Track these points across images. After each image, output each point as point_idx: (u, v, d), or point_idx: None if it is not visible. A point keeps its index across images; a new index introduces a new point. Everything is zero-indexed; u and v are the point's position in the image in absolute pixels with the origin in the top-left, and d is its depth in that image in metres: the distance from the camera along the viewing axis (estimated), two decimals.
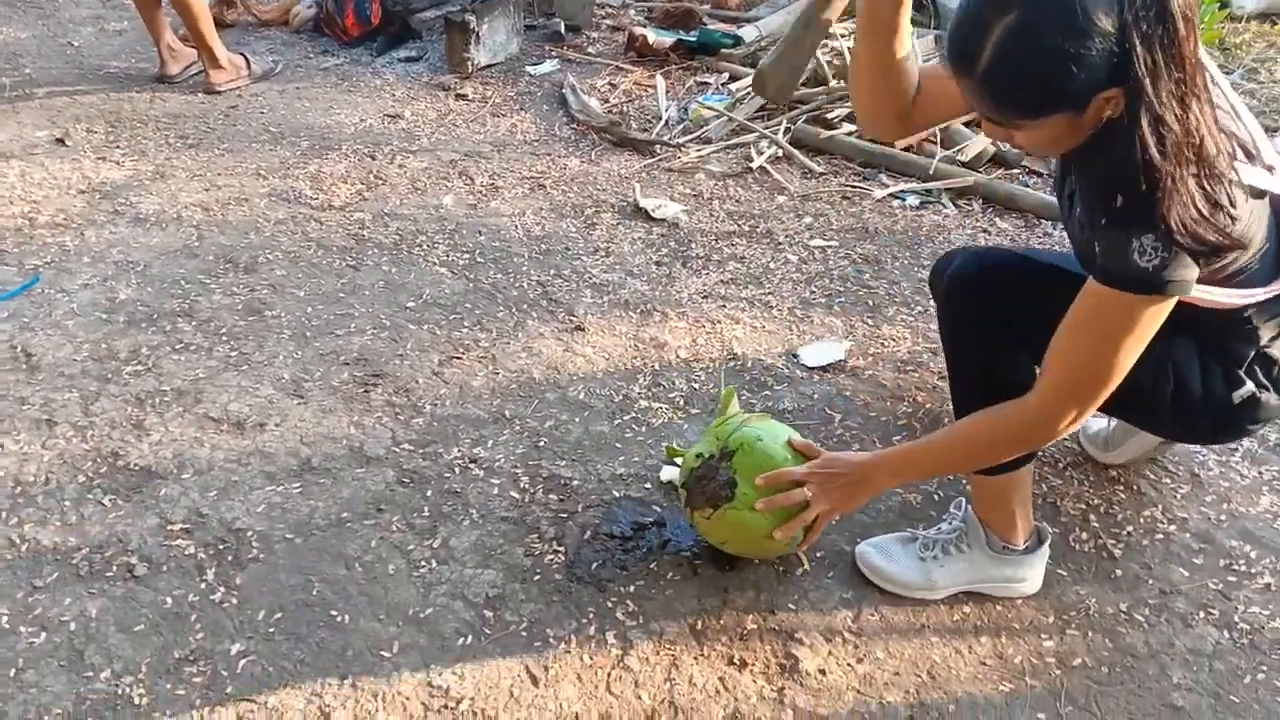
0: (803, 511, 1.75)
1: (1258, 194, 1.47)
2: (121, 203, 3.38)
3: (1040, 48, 1.30)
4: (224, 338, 2.66)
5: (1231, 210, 1.37)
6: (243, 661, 1.77)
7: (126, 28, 5.16)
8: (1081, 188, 1.55)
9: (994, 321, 1.71)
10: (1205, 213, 1.35)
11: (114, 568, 1.95)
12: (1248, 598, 1.91)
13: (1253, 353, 1.67)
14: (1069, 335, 1.50)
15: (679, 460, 1.96)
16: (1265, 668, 1.77)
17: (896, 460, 1.76)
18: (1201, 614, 1.88)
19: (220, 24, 4.75)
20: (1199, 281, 1.48)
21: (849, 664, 1.78)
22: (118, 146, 3.82)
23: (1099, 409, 1.56)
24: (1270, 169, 1.51)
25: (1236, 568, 1.98)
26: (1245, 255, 1.51)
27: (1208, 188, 1.35)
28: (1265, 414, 1.71)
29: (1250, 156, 1.45)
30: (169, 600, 1.88)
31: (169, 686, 1.72)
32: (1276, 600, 1.90)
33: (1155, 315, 1.44)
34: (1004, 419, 1.61)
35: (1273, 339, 1.67)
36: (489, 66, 4.68)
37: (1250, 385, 1.67)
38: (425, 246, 3.15)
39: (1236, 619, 1.87)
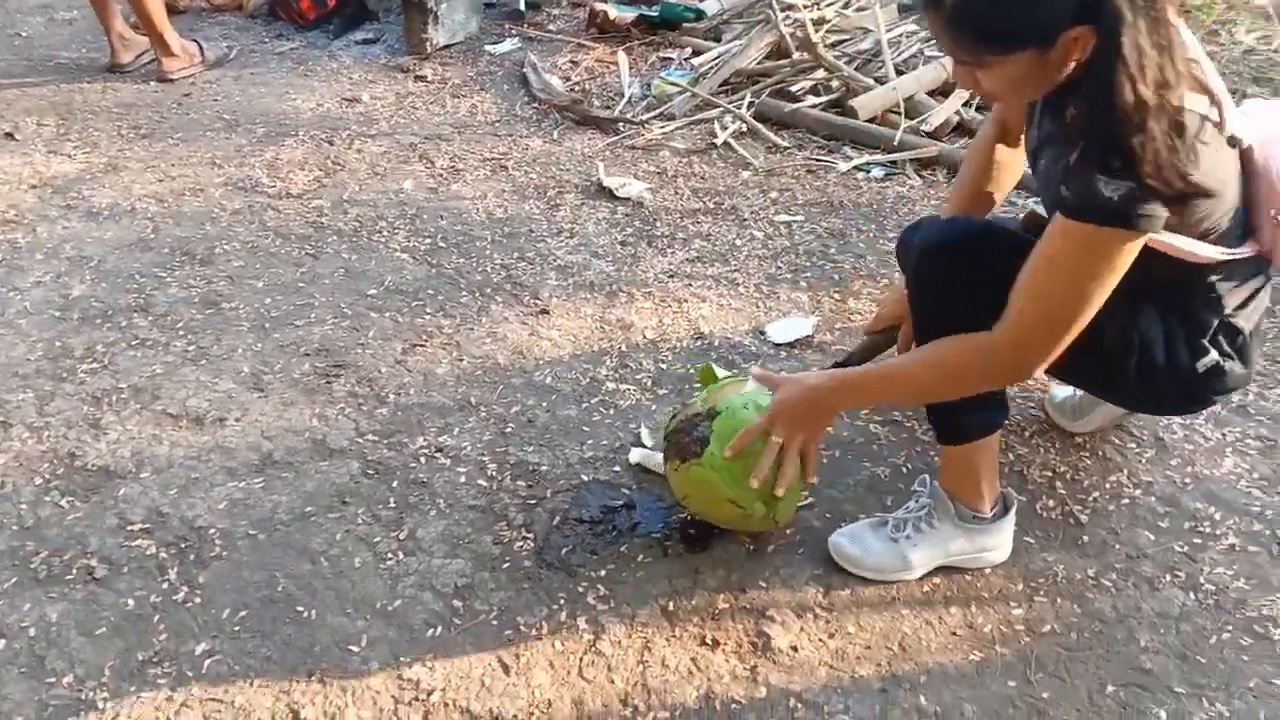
0: (768, 446, 1.73)
1: (1232, 143, 1.49)
2: (74, 197, 3.31)
3: None
4: (181, 332, 2.62)
5: (1199, 152, 1.37)
6: (208, 661, 1.74)
7: (76, 16, 5.06)
8: (1049, 134, 1.55)
9: (963, 289, 1.69)
10: (1174, 153, 1.35)
11: (74, 570, 1.92)
12: (1213, 559, 1.92)
13: (1216, 321, 1.67)
14: (1036, 272, 1.49)
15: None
16: (1230, 627, 1.79)
17: (860, 381, 1.72)
18: (1168, 577, 1.89)
19: (172, 10, 4.65)
20: (1178, 232, 1.48)
21: (821, 639, 1.78)
22: (69, 139, 3.75)
23: (1066, 379, 1.55)
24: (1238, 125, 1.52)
25: (1201, 530, 1.99)
26: (1219, 210, 1.51)
27: (1176, 129, 1.35)
28: (1230, 383, 1.71)
29: (1218, 109, 1.44)
30: (131, 602, 1.85)
31: (133, 689, 1.70)
32: (1241, 560, 1.92)
33: (1123, 252, 1.42)
34: (971, 351, 1.57)
35: (1237, 308, 1.68)
36: (448, 46, 4.63)
37: (1214, 354, 1.67)
38: (386, 233, 3.11)
39: (1202, 580, 1.88)
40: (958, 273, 1.69)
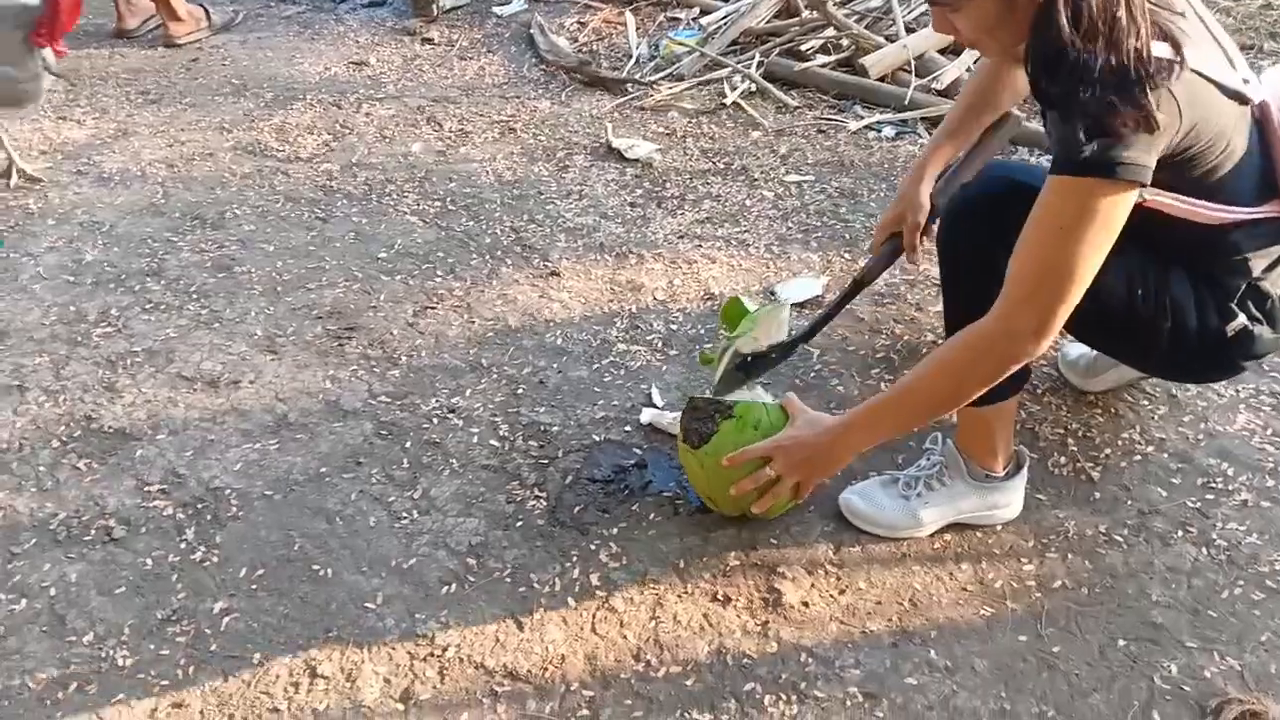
0: (758, 472, 1.75)
1: (1234, 95, 1.47)
2: (84, 163, 3.32)
3: None
4: (194, 296, 2.63)
5: (1161, 95, 1.35)
6: (226, 619, 1.77)
7: None
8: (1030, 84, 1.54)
9: (996, 249, 1.68)
10: (1127, 96, 1.33)
11: (92, 531, 1.94)
12: (1225, 514, 1.92)
13: (1244, 284, 1.65)
14: (1028, 234, 1.46)
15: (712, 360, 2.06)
16: (1242, 582, 1.79)
17: (867, 419, 1.68)
18: (1180, 532, 1.89)
19: None
20: (1179, 191, 1.47)
21: (831, 595, 1.79)
22: (78, 105, 3.75)
23: (1100, 349, 1.53)
24: (1245, 81, 1.50)
25: (1214, 485, 1.99)
26: (1224, 164, 1.49)
27: (1123, 71, 1.33)
28: (1259, 348, 1.70)
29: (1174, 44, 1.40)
30: (149, 561, 1.88)
31: (153, 647, 1.72)
32: (1253, 516, 1.92)
33: (1114, 205, 1.39)
34: (975, 337, 1.53)
35: (1265, 270, 1.66)
36: (454, 9, 4.60)
37: (1243, 318, 1.65)
38: (395, 196, 3.10)
39: (1214, 536, 1.88)
40: (985, 236, 1.66)
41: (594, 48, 4.20)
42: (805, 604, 1.77)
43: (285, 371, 2.35)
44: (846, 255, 2.76)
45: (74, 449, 2.14)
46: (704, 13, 4.36)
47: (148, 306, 2.58)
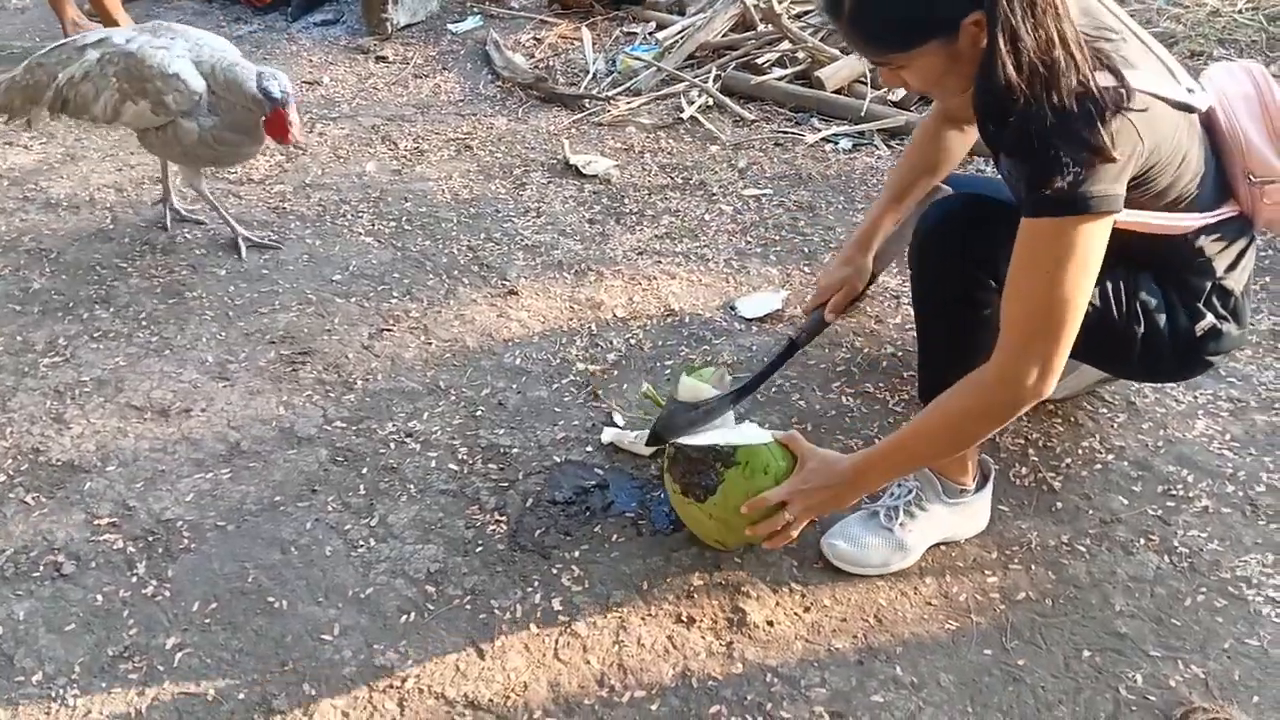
0: (775, 517, 1.70)
1: (1182, 108, 1.48)
2: (31, 188, 3.25)
3: None
4: (144, 323, 2.57)
5: (1113, 124, 1.35)
6: (179, 654, 1.72)
7: (29, 5, 4.97)
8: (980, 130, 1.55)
9: (968, 270, 1.69)
10: (1071, 131, 1.34)
11: (41, 567, 1.89)
12: (1186, 522, 1.93)
13: (1209, 284, 1.68)
14: (1015, 281, 1.46)
15: (654, 402, 2.03)
16: (1204, 589, 1.79)
17: (880, 462, 1.68)
18: (1142, 540, 1.89)
19: None
20: (1146, 208, 1.49)
21: (796, 613, 1.78)
22: (25, 130, 3.67)
23: (1072, 355, 1.53)
24: (1190, 91, 1.51)
25: (1174, 493, 2.00)
26: (1183, 177, 1.52)
27: (1063, 108, 1.34)
28: (1226, 344, 1.73)
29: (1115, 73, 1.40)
30: (99, 597, 1.83)
31: (104, 685, 1.67)
32: (1214, 523, 1.93)
33: (1092, 237, 1.40)
34: (980, 387, 1.53)
35: (1227, 269, 1.68)
36: (409, 26, 4.57)
37: (1210, 317, 1.69)
38: (349, 216, 3.07)
39: (1176, 543, 1.89)
40: (958, 257, 1.69)
41: (550, 64, 4.19)
42: (770, 623, 1.76)
43: (238, 398, 2.31)
44: (806, 269, 2.75)
45: (21, 482, 2.08)
46: (660, 27, 4.36)
47: (96, 335, 2.53)
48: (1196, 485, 2.01)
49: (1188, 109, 1.51)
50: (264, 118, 2.60)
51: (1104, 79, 1.36)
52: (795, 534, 1.71)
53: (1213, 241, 1.65)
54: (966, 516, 1.88)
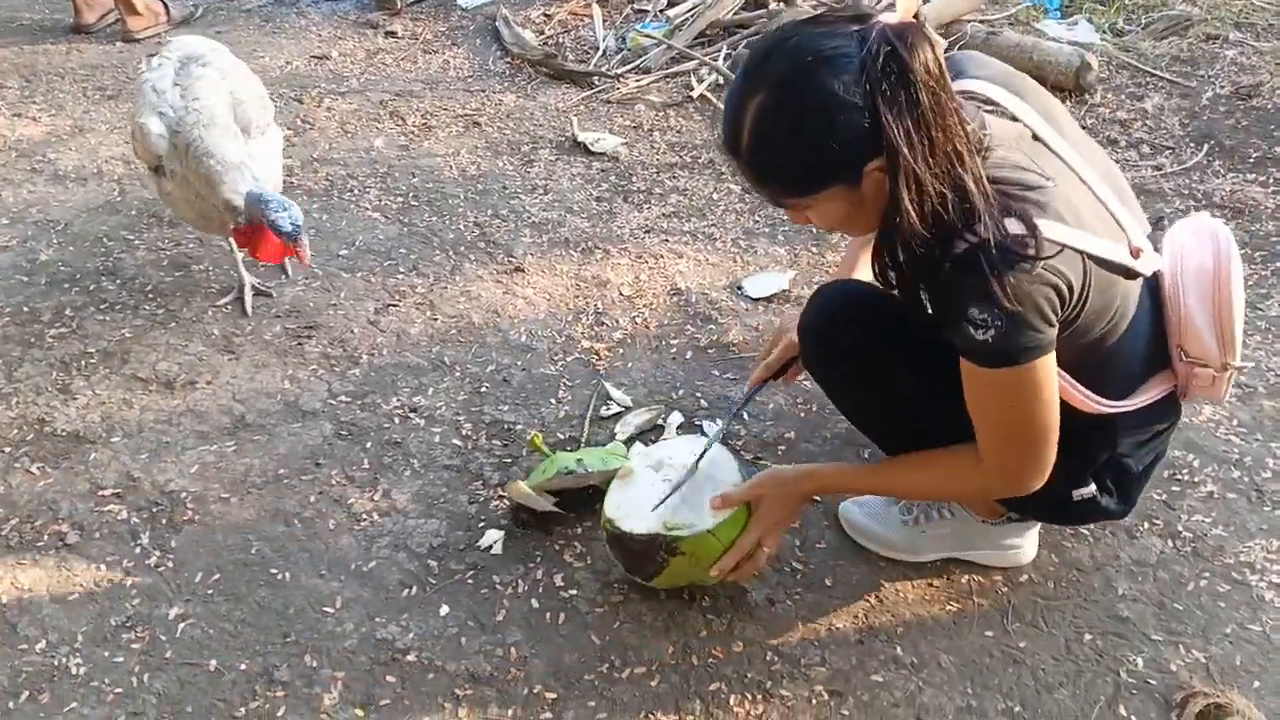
0: (741, 546, 1.64)
1: (1119, 270, 1.38)
2: (39, 160, 3.25)
3: (790, 125, 1.28)
4: (150, 295, 2.57)
5: (1011, 268, 1.27)
6: (182, 625, 1.73)
7: None
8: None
9: (854, 356, 1.61)
10: (974, 274, 1.28)
11: (45, 537, 1.89)
12: (1190, 506, 1.92)
13: (1106, 456, 1.56)
14: (976, 415, 1.42)
15: (547, 459, 1.93)
16: (1207, 574, 1.79)
17: (829, 479, 1.70)
18: (1146, 525, 1.88)
19: None
20: (1063, 364, 1.39)
21: (797, 593, 1.77)
22: (33, 102, 3.67)
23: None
24: (1136, 252, 1.41)
25: (1180, 478, 1.99)
26: (1114, 335, 1.42)
27: (969, 248, 1.28)
28: (1100, 516, 1.65)
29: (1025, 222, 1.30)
30: (103, 567, 1.83)
31: (106, 655, 1.68)
32: (1218, 507, 1.92)
33: (1038, 372, 1.34)
34: (963, 472, 1.51)
35: (1135, 447, 1.56)
36: (418, 1, 4.54)
37: (1092, 488, 1.58)
38: (356, 191, 3.06)
39: (1180, 528, 1.88)
40: (843, 343, 1.62)
41: (560, 40, 4.16)
42: (771, 602, 1.76)
43: (243, 371, 2.31)
44: (813, 249, 2.74)
45: (26, 452, 2.09)
46: (671, 4, 4.32)
47: (103, 306, 2.53)
48: (1202, 470, 2.00)
49: (1126, 272, 1.40)
50: (235, 226, 2.32)
51: (1014, 226, 1.28)
52: (765, 558, 1.67)
53: (1125, 427, 1.53)
54: (1003, 541, 1.79)
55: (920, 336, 1.45)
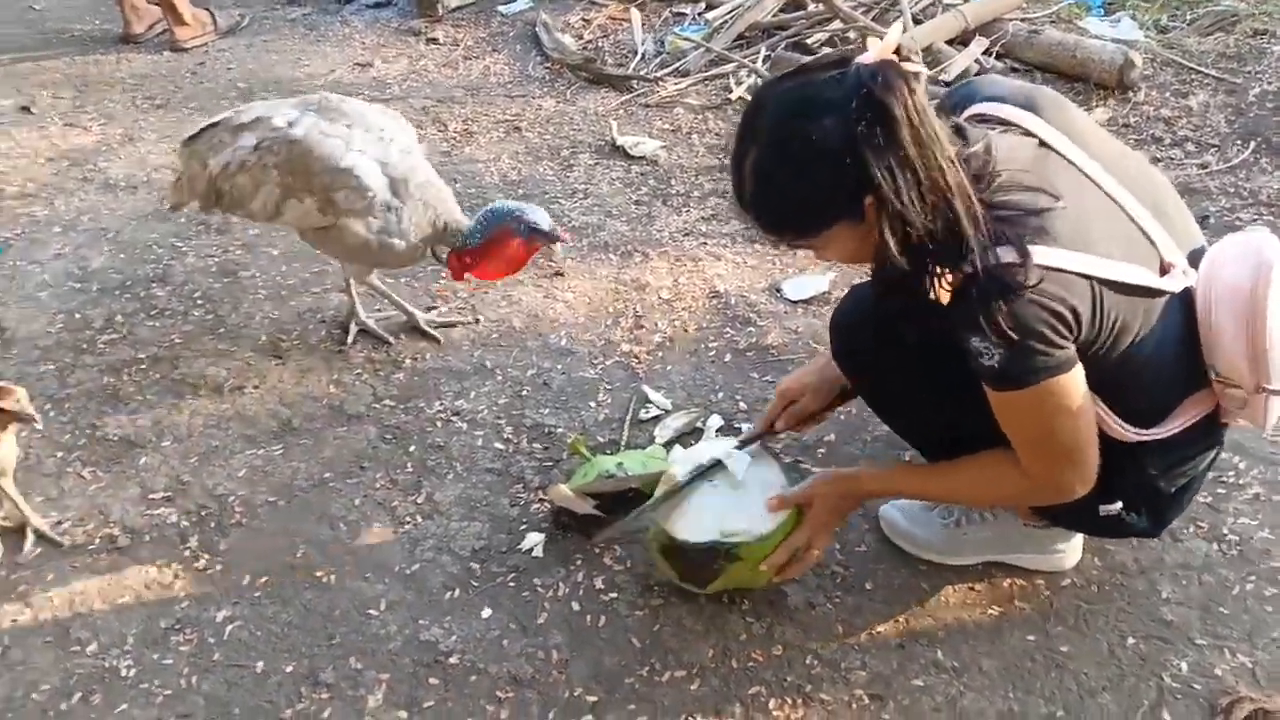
0: (790, 544, 1.66)
1: (1139, 291, 1.36)
2: (90, 169, 3.32)
3: (784, 176, 1.32)
4: (199, 301, 2.63)
5: (1005, 295, 1.28)
6: (229, 627, 1.76)
7: None
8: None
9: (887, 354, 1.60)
10: (967, 305, 1.29)
11: (96, 540, 1.94)
12: (1236, 509, 1.90)
13: (1137, 476, 1.52)
14: (1005, 429, 1.43)
15: (587, 462, 1.93)
16: (1254, 578, 1.76)
17: (883, 478, 1.70)
18: (1190, 528, 1.86)
19: None
20: (1090, 386, 1.38)
21: (837, 596, 1.77)
22: (85, 111, 3.76)
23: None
24: (1167, 267, 1.41)
25: (1225, 479, 1.96)
26: (1139, 356, 1.39)
27: (959, 280, 1.29)
28: (1128, 532, 1.63)
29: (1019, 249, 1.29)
30: (153, 570, 1.88)
31: (156, 657, 1.72)
32: (1265, 510, 1.89)
33: (1056, 389, 1.33)
34: (1006, 477, 1.49)
35: (1167, 468, 1.53)
36: (459, 8, 4.59)
37: (1119, 505, 1.55)
38: None
39: (1225, 531, 1.85)
40: (871, 341, 1.62)
41: (599, 45, 4.18)
42: (811, 605, 1.76)
43: (290, 376, 2.35)
44: None
45: (79, 457, 2.14)
46: (709, 7, 4.33)
47: (153, 312, 2.58)
48: (1248, 472, 1.97)
49: (1147, 291, 1.37)
50: (454, 251, 2.28)
51: (1006, 255, 1.28)
52: (814, 558, 1.69)
53: (1156, 454, 1.50)
54: (1046, 544, 1.78)
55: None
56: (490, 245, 2.25)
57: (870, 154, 1.24)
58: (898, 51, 1.29)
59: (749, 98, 3.58)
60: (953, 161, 1.28)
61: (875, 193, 1.26)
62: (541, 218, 2.21)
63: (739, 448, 1.77)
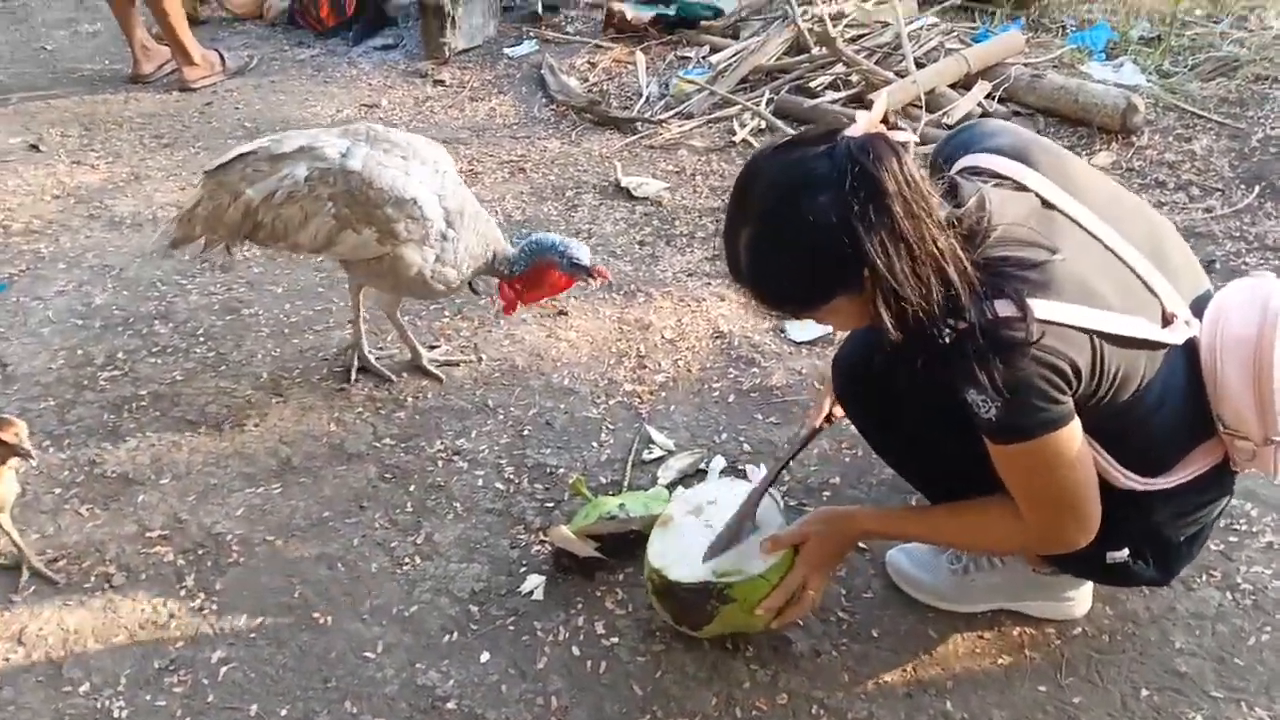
0: (787, 587, 1.63)
1: (1140, 344, 1.35)
2: (96, 206, 3.33)
3: (779, 254, 1.33)
4: (201, 338, 2.62)
5: (1001, 350, 1.27)
6: (224, 669, 1.73)
7: (100, 29, 5.10)
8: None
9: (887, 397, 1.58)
10: (962, 361, 1.28)
11: (92, 578, 1.91)
12: (1250, 557, 1.87)
13: (1142, 524, 1.50)
14: (1004, 480, 1.41)
15: (588, 503, 1.93)
16: (1269, 628, 1.73)
17: (879, 518, 1.68)
18: (1203, 576, 1.83)
19: (193, 20, 4.68)
20: (1092, 435, 1.37)
21: (843, 643, 1.74)
22: (92, 149, 3.77)
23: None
24: (1170, 318, 1.40)
25: (1238, 527, 1.93)
26: (1140, 407, 1.37)
27: (961, 336, 1.28)
28: (1135, 582, 1.61)
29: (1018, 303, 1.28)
30: (148, 609, 1.85)
31: (149, 698, 1.69)
32: (1279, 559, 1.86)
33: (1054, 443, 1.32)
34: (1006, 525, 1.46)
35: (1174, 517, 1.50)
36: (466, 50, 4.62)
37: (1126, 552, 1.52)
38: None
39: (1239, 580, 1.82)
40: (872, 380, 1.59)
41: (604, 87, 4.21)
42: (816, 653, 1.73)
43: (290, 414, 2.33)
44: None
45: (76, 494, 2.12)
46: (714, 51, 4.36)
47: (155, 350, 2.57)
48: (1261, 520, 1.94)
49: (1149, 344, 1.36)
50: (506, 278, 2.30)
51: (1004, 309, 1.27)
52: (810, 602, 1.65)
53: (1164, 504, 1.48)
54: (1056, 592, 1.75)
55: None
56: (532, 275, 2.28)
57: (863, 229, 1.24)
58: (885, 120, 1.28)
59: (752, 140, 3.61)
60: (943, 227, 1.28)
61: (871, 268, 1.26)
62: (584, 253, 2.24)
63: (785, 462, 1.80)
